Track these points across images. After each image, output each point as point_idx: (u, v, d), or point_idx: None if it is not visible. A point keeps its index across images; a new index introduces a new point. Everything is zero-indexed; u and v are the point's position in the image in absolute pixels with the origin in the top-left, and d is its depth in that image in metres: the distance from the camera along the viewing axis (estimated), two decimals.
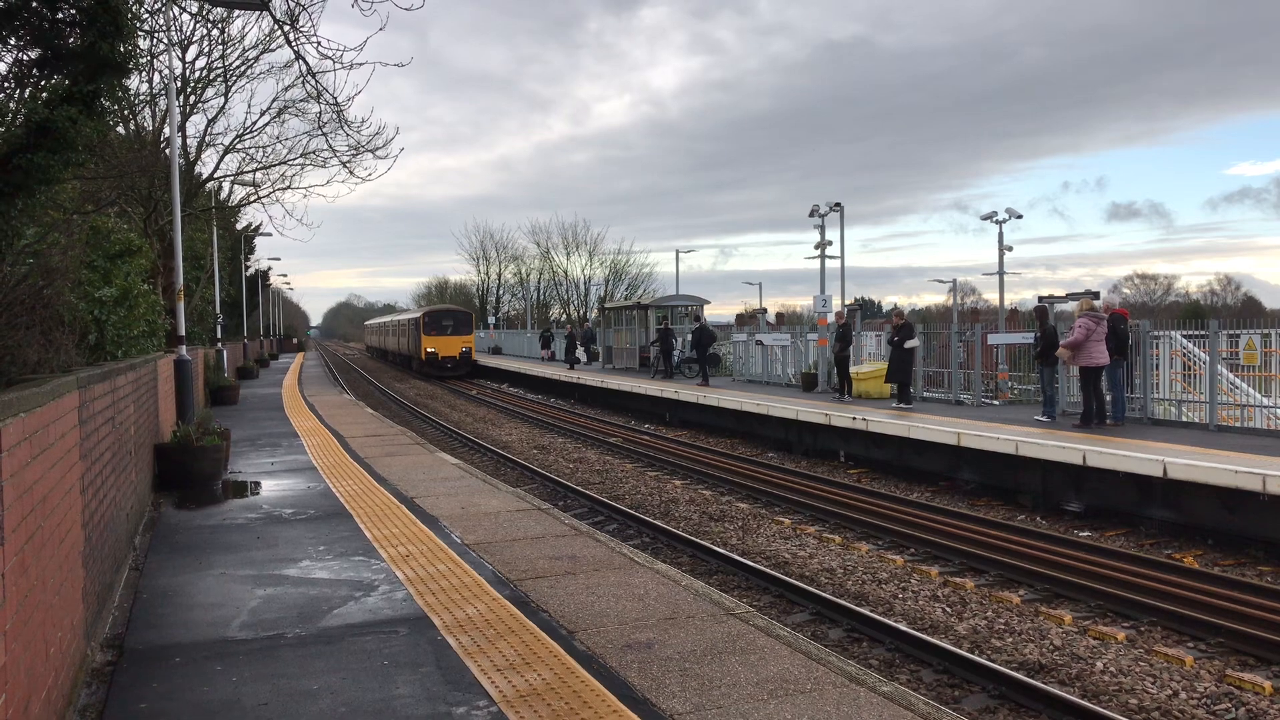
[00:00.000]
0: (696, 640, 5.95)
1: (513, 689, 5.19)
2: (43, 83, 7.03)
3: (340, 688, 5.26)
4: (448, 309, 55.59)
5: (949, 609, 9.39)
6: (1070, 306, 22.02)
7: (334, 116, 11.51)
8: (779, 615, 9.09)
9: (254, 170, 27.28)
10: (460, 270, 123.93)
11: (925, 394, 22.09)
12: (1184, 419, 16.01)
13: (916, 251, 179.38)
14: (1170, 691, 7.28)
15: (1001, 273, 38.25)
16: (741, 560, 10.94)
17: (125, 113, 22.09)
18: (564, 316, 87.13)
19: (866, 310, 54.20)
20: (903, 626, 8.58)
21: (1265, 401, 15.61)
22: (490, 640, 6.01)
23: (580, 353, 44.10)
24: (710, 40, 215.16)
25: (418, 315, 53.23)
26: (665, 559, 11.03)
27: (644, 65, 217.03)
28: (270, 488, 12.26)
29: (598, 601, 6.83)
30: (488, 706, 4.97)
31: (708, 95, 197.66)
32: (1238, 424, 15.28)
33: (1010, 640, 8.45)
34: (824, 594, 9.58)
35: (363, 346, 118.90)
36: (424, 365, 50.54)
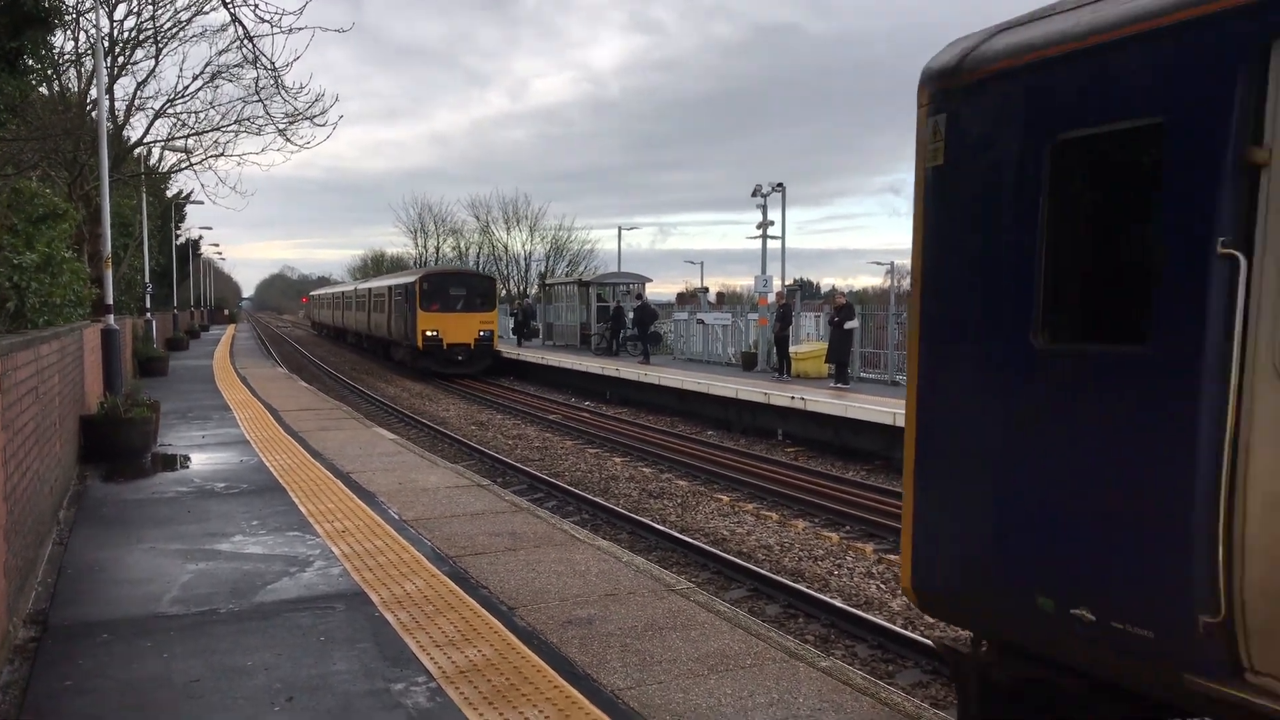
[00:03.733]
0: (638, 616, 5.96)
1: (452, 665, 5.15)
2: None
3: (275, 664, 5.17)
4: (458, 271, 41.24)
5: (883, 585, 9.54)
6: None
7: (272, 82, 11.23)
8: (717, 591, 9.16)
9: (186, 136, 26.47)
10: (398, 243, 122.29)
11: (862, 374, 22.39)
12: None
13: (854, 234, 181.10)
14: None
15: None
16: (680, 537, 11.01)
17: (49, 72, 21.27)
18: (504, 292, 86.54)
19: (805, 291, 54.54)
20: (838, 603, 8.71)
21: None
22: (429, 616, 5.95)
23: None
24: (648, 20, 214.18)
25: (411, 280, 35.85)
26: (605, 536, 11.04)
27: (585, 43, 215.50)
28: (201, 461, 11.98)
29: (539, 578, 6.80)
30: (427, 683, 4.92)
31: (647, 75, 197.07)
32: None
33: None
34: (761, 570, 9.69)
35: (302, 320, 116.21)
36: (418, 355, 34.23)
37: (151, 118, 26.02)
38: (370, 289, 48.31)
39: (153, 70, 25.25)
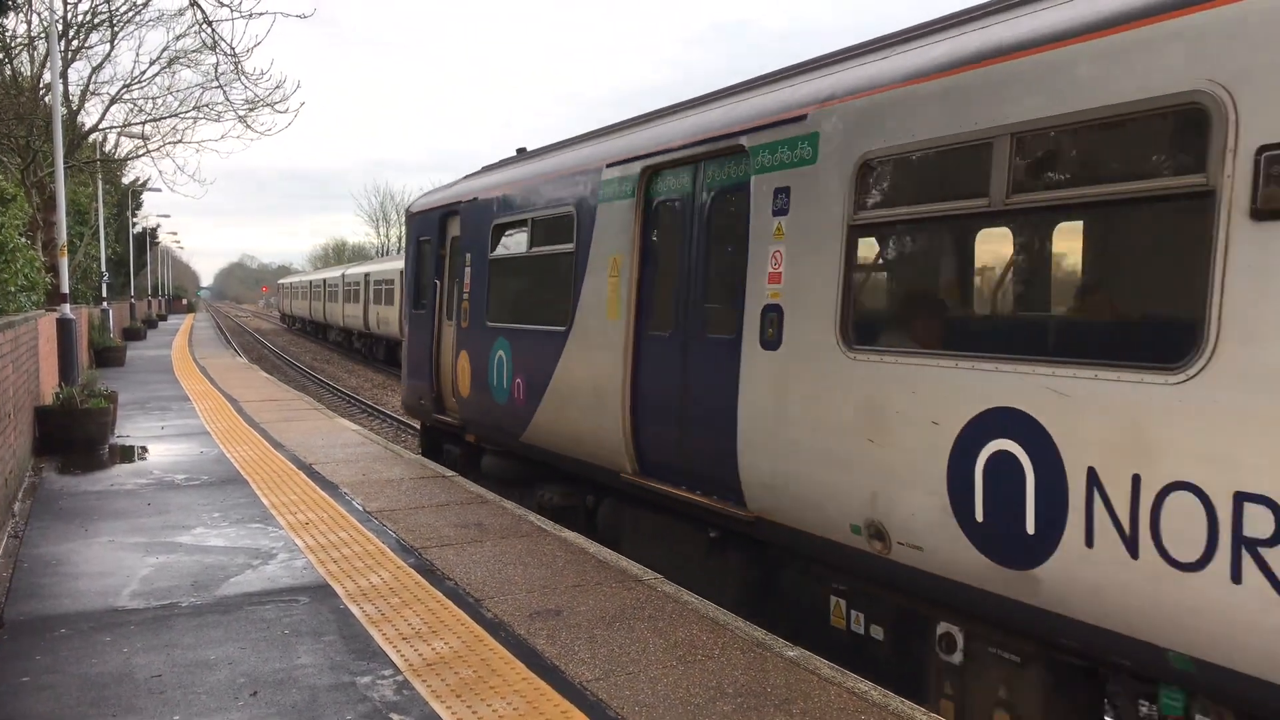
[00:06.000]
0: (605, 606, 5.96)
1: (419, 657, 5.11)
2: None
3: (239, 658, 5.10)
4: None
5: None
6: None
7: (231, 68, 11.06)
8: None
9: (143, 123, 26.08)
10: (360, 232, 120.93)
11: None
12: None
13: None
14: None
15: None
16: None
17: (1, 55, 20.79)
18: None
19: None
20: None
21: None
22: (395, 609, 5.91)
23: None
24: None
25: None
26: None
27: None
28: (161, 452, 11.80)
29: (505, 569, 6.77)
30: (394, 675, 4.88)
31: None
32: None
33: None
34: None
35: (263, 310, 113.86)
36: None
37: (107, 103, 25.61)
38: (368, 274, 39.78)
39: (108, 55, 24.89)
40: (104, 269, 33.73)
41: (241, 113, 19.16)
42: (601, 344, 8.36)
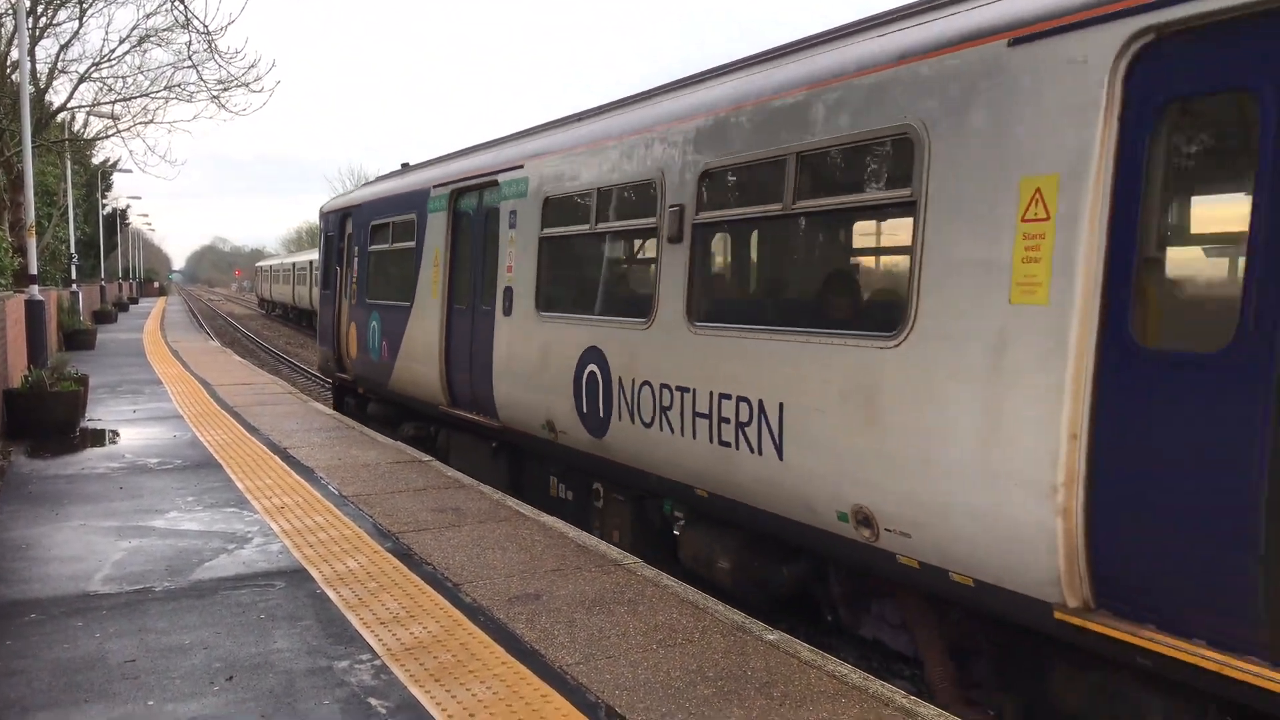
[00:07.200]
0: (584, 591, 5.94)
1: (397, 642, 5.07)
2: None
3: (214, 642, 5.04)
4: None
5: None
6: None
7: (204, 46, 10.90)
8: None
9: (112, 102, 25.63)
10: None
11: None
12: None
13: None
14: None
15: None
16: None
17: None
18: None
19: None
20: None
21: None
22: (373, 593, 5.86)
23: None
24: None
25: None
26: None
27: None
28: (133, 436, 11.66)
29: (484, 554, 6.74)
30: (371, 660, 4.84)
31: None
32: None
33: None
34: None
35: (235, 294, 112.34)
36: None
37: (76, 82, 25.15)
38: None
39: (76, 32, 24.44)
40: (73, 251, 33.26)
41: (215, 92, 18.88)
42: (430, 315, 11.64)
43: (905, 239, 5.30)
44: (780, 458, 6.03)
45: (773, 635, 5.28)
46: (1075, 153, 4.40)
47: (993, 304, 4.73)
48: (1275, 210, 3.75)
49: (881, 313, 5.70)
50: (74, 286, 30.83)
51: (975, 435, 4.74)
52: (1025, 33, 4.72)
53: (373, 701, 4.37)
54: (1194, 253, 4.50)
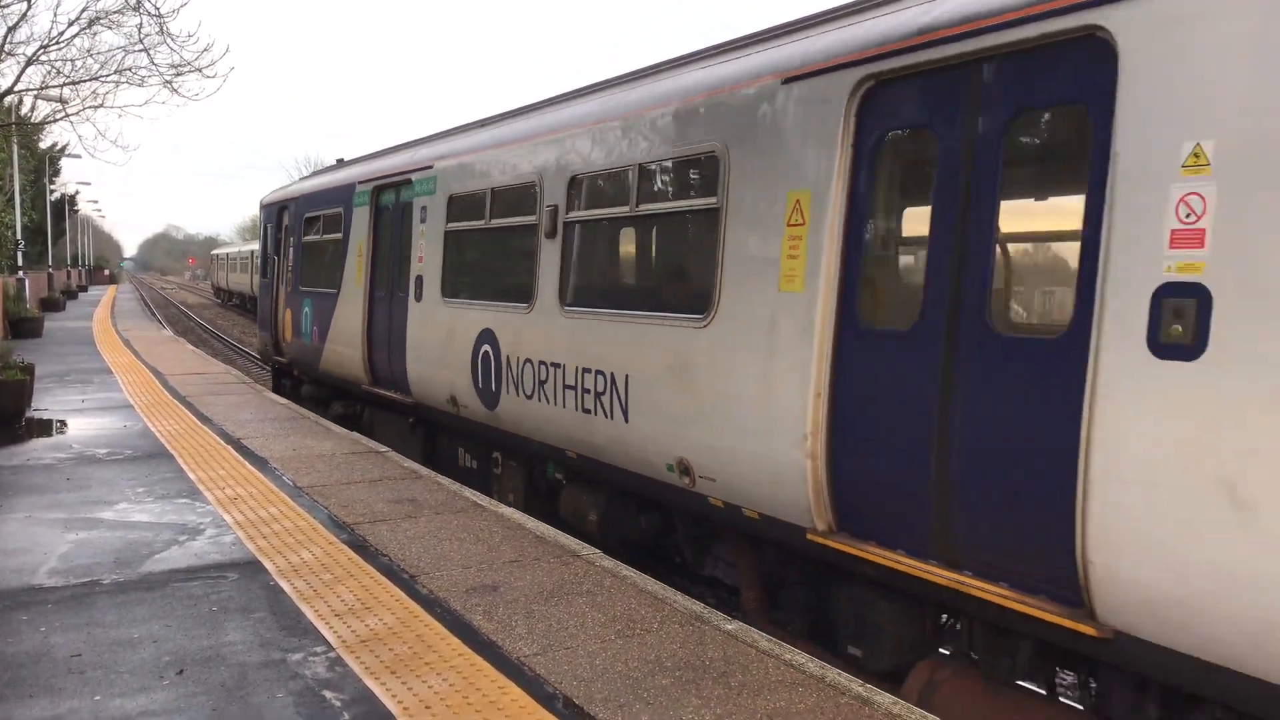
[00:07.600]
0: (543, 582, 5.91)
1: (353, 634, 5.01)
2: None
3: (164, 635, 4.95)
4: None
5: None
6: None
7: (156, 29, 10.64)
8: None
9: (61, 85, 24.96)
10: None
11: None
12: None
13: None
14: None
15: None
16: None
17: None
18: None
19: None
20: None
21: None
22: (328, 585, 5.79)
23: None
24: None
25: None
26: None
27: None
28: (81, 426, 11.41)
29: (441, 545, 6.68)
30: (326, 652, 4.78)
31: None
32: None
33: None
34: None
35: (189, 282, 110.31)
36: None
37: (23, 64, 24.46)
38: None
39: (24, 14, 23.70)
40: (19, 237, 32.50)
41: (168, 77, 18.47)
42: (354, 302, 12.62)
43: (714, 238, 6.48)
44: (626, 421, 7.29)
45: (731, 625, 5.29)
46: (823, 172, 5.62)
47: (768, 292, 5.96)
48: (941, 222, 4.96)
49: (698, 299, 6.72)
50: (20, 273, 30.13)
51: (756, 396, 5.96)
52: (794, 74, 5.94)
53: (327, 694, 4.31)
54: (902, 253, 5.71)
